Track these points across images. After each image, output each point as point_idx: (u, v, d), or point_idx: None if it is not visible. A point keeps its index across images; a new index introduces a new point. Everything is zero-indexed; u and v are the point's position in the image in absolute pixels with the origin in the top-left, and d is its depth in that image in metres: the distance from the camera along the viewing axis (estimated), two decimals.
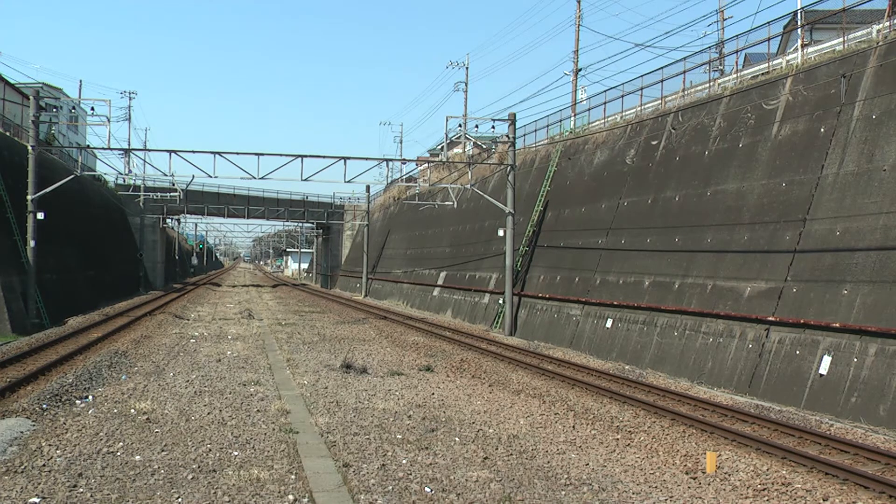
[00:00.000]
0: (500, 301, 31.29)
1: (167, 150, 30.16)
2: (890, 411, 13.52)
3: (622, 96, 29.99)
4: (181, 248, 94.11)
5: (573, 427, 12.78)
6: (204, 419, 12.17)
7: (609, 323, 23.72)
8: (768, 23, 23.40)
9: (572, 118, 35.92)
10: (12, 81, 43.92)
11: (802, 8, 22.32)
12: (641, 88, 28.51)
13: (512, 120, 31.12)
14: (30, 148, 29.56)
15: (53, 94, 50.40)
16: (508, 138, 31.37)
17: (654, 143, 25.43)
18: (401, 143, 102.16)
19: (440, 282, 42.90)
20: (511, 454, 10.69)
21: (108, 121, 30.30)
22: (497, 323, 31.53)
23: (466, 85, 59.57)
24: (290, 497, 8.37)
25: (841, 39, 19.74)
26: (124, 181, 52.52)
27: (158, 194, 56.86)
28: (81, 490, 8.44)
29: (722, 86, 24.32)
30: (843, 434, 12.74)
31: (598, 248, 26.20)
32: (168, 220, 71.38)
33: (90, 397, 13.77)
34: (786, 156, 18.95)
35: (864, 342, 14.69)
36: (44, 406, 12.67)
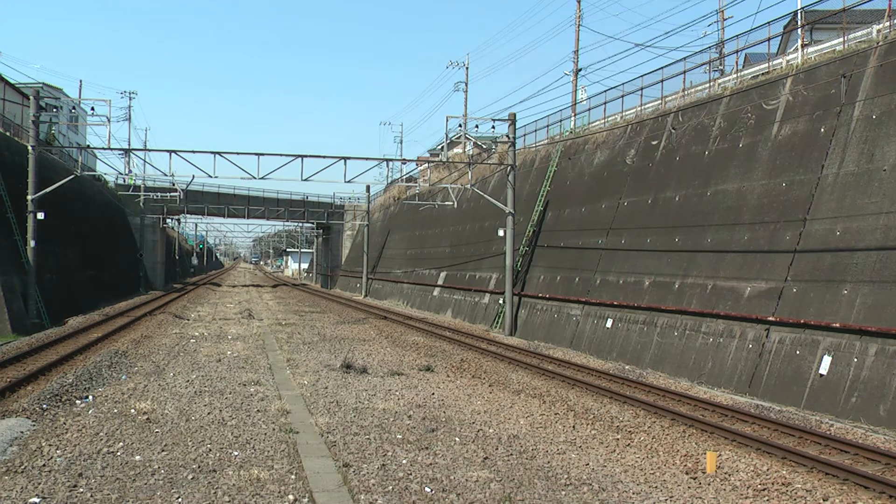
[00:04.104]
0: (501, 301, 31.29)
1: (167, 150, 30.20)
2: (890, 411, 13.52)
3: (622, 96, 30.00)
4: (181, 248, 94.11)
5: (573, 427, 12.78)
6: (204, 419, 12.17)
7: (609, 323, 23.72)
8: (768, 23, 23.43)
9: (572, 118, 35.92)
10: (12, 81, 43.91)
11: (802, 8, 22.32)
12: (641, 88, 28.52)
13: (512, 120, 31.13)
14: (30, 148, 29.56)
15: (53, 94, 50.38)
16: (508, 138, 31.37)
17: (654, 143, 25.43)
18: (401, 143, 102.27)
19: (440, 282, 42.90)
20: (511, 454, 10.69)
21: (109, 121, 30.34)
22: (497, 323, 31.53)
23: (466, 85, 59.63)
24: (290, 497, 8.37)
25: (841, 39, 19.74)
26: (124, 181, 52.59)
27: (158, 194, 56.89)
28: (81, 490, 8.44)
29: (722, 86, 24.33)
30: (843, 434, 12.74)
31: (599, 248, 26.20)
32: (168, 221, 71.38)
33: (90, 397, 13.77)
34: (786, 156, 18.95)
35: (864, 342, 14.69)
36: (44, 406, 12.67)
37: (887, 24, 18.34)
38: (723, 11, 37.56)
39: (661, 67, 29.35)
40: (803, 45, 21.15)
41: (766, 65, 23.07)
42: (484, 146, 40.60)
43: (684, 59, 26.77)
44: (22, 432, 10.91)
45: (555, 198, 31.29)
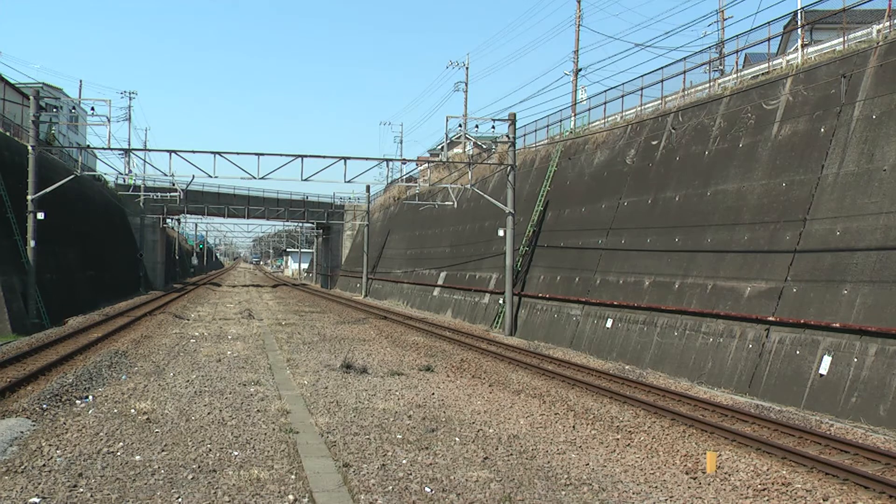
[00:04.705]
0: (501, 301, 31.29)
1: (167, 150, 30.20)
2: (890, 411, 13.52)
3: (622, 96, 30.00)
4: (181, 248, 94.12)
5: (573, 427, 12.78)
6: (204, 419, 12.17)
7: (609, 323, 23.72)
8: (768, 23, 23.43)
9: (572, 118, 35.92)
10: (12, 81, 43.91)
11: (802, 8, 22.32)
12: (641, 88, 28.52)
13: (512, 120, 31.12)
14: (30, 148, 29.56)
15: (53, 94, 50.37)
16: (508, 138, 31.37)
17: (654, 143, 25.43)
18: (401, 143, 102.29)
19: (440, 282, 42.90)
20: (511, 454, 10.69)
21: (109, 121, 30.35)
22: (497, 323, 31.53)
23: (466, 85, 59.63)
24: (290, 497, 8.37)
25: (841, 39, 19.74)
26: (124, 181, 52.58)
27: (158, 194, 56.90)
28: (81, 490, 8.44)
29: (722, 86, 24.33)
30: (843, 434, 12.74)
31: (599, 248, 26.20)
32: (168, 221, 71.37)
33: (90, 397, 13.77)
34: (786, 156, 18.95)
35: (864, 342, 14.69)
36: (44, 406, 12.67)
37: (887, 24, 18.34)
38: (723, 11, 37.59)
39: (661, 67, 29.39)
40: (803, 45, 21.14)
41: (766, 65, 23.07)
42: (484, 146, 40.60)
43: (684, 59, 26.79)
44: (22, 432, 10.91)
45: (555, 198, 31.28)
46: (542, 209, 31.87)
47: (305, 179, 36.06)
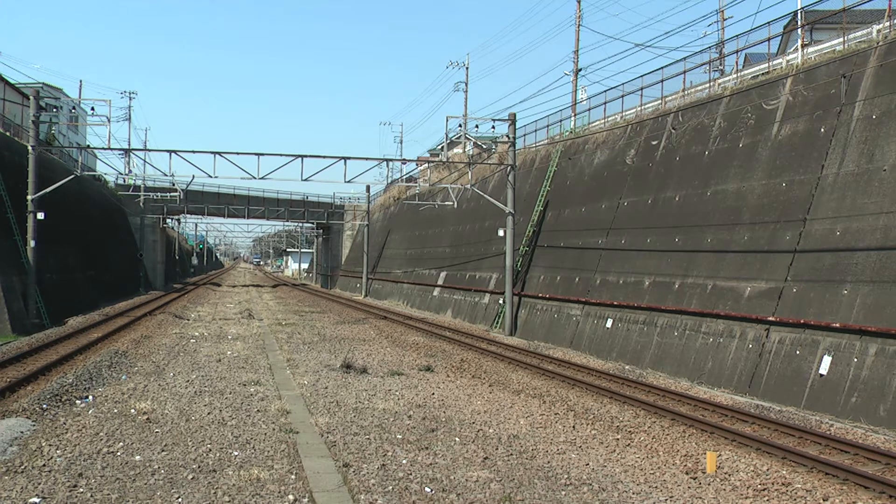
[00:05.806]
0: (501, 301, 31.29)
1: (167, 150, 30.20)
2: (890, 411, 13.52)
3: (622, 96, 30.00)
4: (181, 248, 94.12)
5: (573, 427, 12.78)
6: (204, 419, 12.17)
7: (609, 323, 23.72)
8: (768, 23, 23.42)
9: (572, 118, 35.92)
10: (12, 81, 43.90)
11: (802, 8, 22.32)
12: (641, 88, 28.52)
13: (512, 120, 31.13)
14: (30, 148, 29.56)
15: (53, 94, 50.38)
16: (508, 138, 31.38)
17: (654, 143, 25.43)
18: (401, 143, 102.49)
19: (440, 282, 42.90)
20: (511, 454, 10.69)
21: (109, 121, 30.38)
22: (497, 323, 31.53)
23: (466, 85, 59.66)
24: (290, 497, 8.37)
25: (841, 39, 19.74)
26: (124, 181, 52.62)
27: (158, 194, 56.90)
28: (81, 490, 8.44)
29: (722, 86, 24.33)
30: (843, 434, 12.74)
31: (599, 248, 26.20)
32: (168, 220, 71.37)
33: (90, 397, 13.78)
34: (786, 156, 18.95)
35: (864, 342, 14.69)
36: (44, 406, 12.68)
37: (887, 24, 18.34)
38: (723, 11, 37.62)
39: (661, 67, 29.39)
40: (803, 45, 21.14)
41: (766, 65, 23.07)
42: (484, 146, 40.61)
43: (684, 59, 26.79)
44: (22, 432, 10.91)
45: (555, 198, 31.29)
46: (542, 209, 31.87)
47: (305, 179, 36.19)
